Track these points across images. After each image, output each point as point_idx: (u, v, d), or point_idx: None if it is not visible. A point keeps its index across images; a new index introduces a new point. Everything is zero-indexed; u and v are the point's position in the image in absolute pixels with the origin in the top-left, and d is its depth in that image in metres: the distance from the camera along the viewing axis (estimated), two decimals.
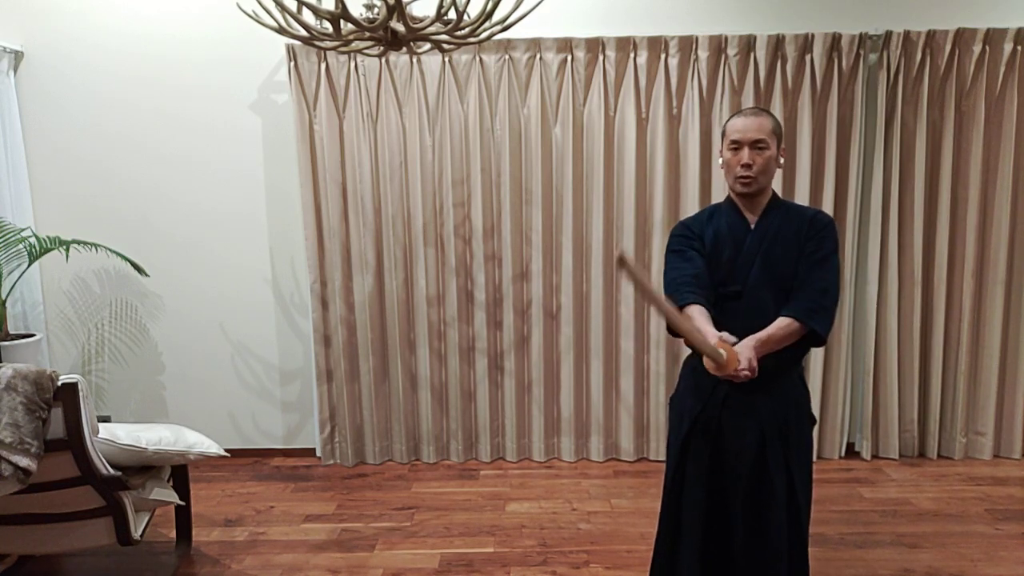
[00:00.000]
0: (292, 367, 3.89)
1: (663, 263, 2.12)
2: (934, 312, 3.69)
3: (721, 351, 1.78)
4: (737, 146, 1.97)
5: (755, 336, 1.85)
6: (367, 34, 2.36)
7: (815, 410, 3.73)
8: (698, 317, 1.90)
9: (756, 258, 1.97)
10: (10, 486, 2.06)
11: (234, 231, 3.77)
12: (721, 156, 2.05)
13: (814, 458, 3.74)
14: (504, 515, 3.23)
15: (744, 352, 1.80)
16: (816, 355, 3.69)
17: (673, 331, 1.86)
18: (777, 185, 3.56)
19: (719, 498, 2.03)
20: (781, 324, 1.90)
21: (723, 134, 2.05)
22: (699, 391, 2.06)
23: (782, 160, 2.02)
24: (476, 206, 3.63)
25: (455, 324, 3.73)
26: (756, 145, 1.95)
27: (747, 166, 1.95)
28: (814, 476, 3.56)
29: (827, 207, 3.57)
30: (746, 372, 1.78)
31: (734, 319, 1.95)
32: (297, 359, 3.88)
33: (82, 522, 2.37)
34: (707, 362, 1.81)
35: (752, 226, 2.02)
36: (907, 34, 3.48)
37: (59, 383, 2.19)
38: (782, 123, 3.51)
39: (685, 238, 2.07)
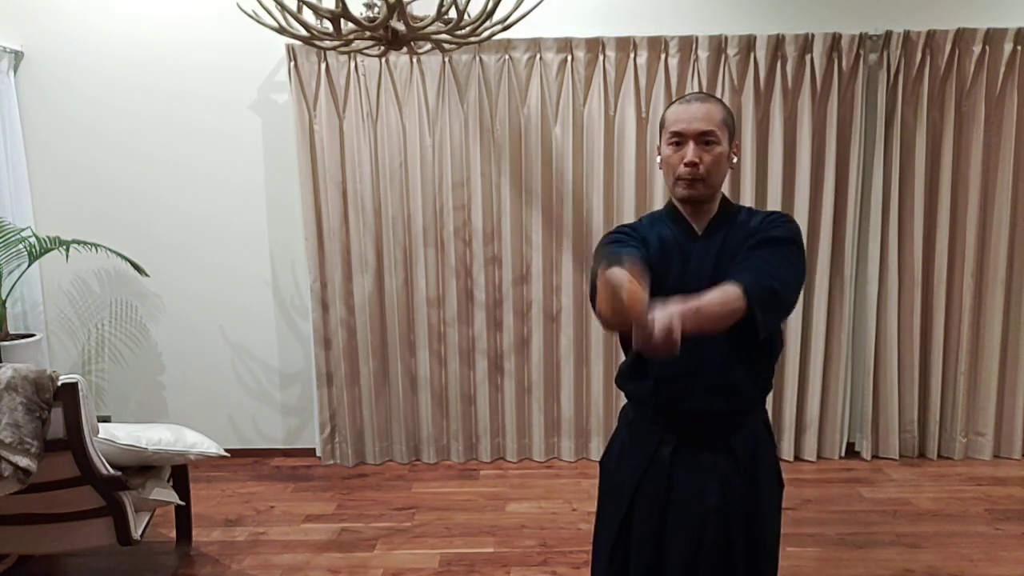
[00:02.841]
0: (292, 370, 3.88)
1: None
2: (934, 312, 3.69)
3: (623, 294, 1.24)
4: (679, 140, 1.57)
5: (685, 300, 1.35)
6: (367, 33, 2.36)
7: (815, 410, 3.74)
8: (623, 274, 1.29)
9: (706, 277, 1.55)
10: (10, 486, 2.06)
11: (234, 232, 3.76)
12: (659, 153, 1.64)
13: (814, 458, 3.77)
14: (504, 515, 3.23)
15: (660, 315, 1.26)
16: (816, 355, 3.69)
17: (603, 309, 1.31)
18: (776, 185, 3.56)
19: (668, 565, 1.63)
20: (725, 291, 1.41)
21: (661, 125, 1.63)
22: (640, 447, 1.66)
23: (735, 158, 1.63)
24: (476, 207, 3.63)
25: (455, 325, 3.72)
26: (703, 138, 1.55)
27: (692, 165, 1.55)
28: (814, 477, 3.59)
29: (827, 207, 3.57)
30: (659, 336, 1.24)
31: (683, 346, 1.38)
32: (297, 362, 3.88)
33: (82, 522, 2.37)
34: (602, 297, 1.28)
35: (699, 237, 1.63)
36: (907, 34, 3.48)
37: (59, 383, 2.19)
38: (780, 120, 3.51)
39: (625, 235, 1.67)
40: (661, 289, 1.47)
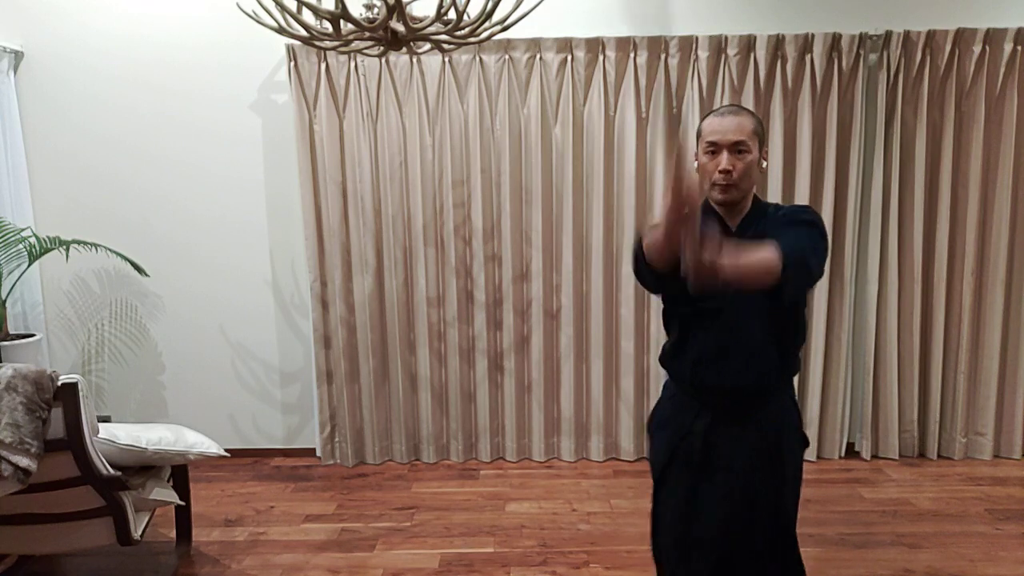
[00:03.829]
0: (292, 369, 3.89)
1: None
2: (934, 312, 3.69)
3: (686, 183, 1.28)
4: (715, 149, 1.75)
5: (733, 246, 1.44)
6: (367, 34, 2.36)
7: (815, 410, 3.74)
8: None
9: None
10: (10, 486, 2.06)
11: (234, 232, 3.77)
12: (696, 160, 1.83)
13: (813, 458, 3.77)
14: (504, 515, 3.23)
15: (711, 232, 1.34)
16: (816, 354, 3.69)
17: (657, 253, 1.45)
18: (776, 186, 3.56)
19: (698, 535, 1.86)
20: (762, 247, 1.50)
21: (698, 135, 1.83)
22: (680, 418, 1.89)
23: (765, 164, 1.82)
24: (476, 206, 3.63)
25: (455, 324, 3.72)
26: (736, 148, 1.73)
27: (726, 172, 1.73)
28: (814, 477, 3.59)
29: (827, 207, 3.57)
30: (711, 245, 1.32)
31: (711, 337, 1.79)
32: (297, 360, 3.88)
33: (82, 522, 2.37)
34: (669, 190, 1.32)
35: (733, 234, 1.81)
36: (907, 34, 3.48)
37: (59, 383, 2.19)
38: (780, 120, 3.51)
39: None
40: None
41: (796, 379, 3.69)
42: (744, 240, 1.73)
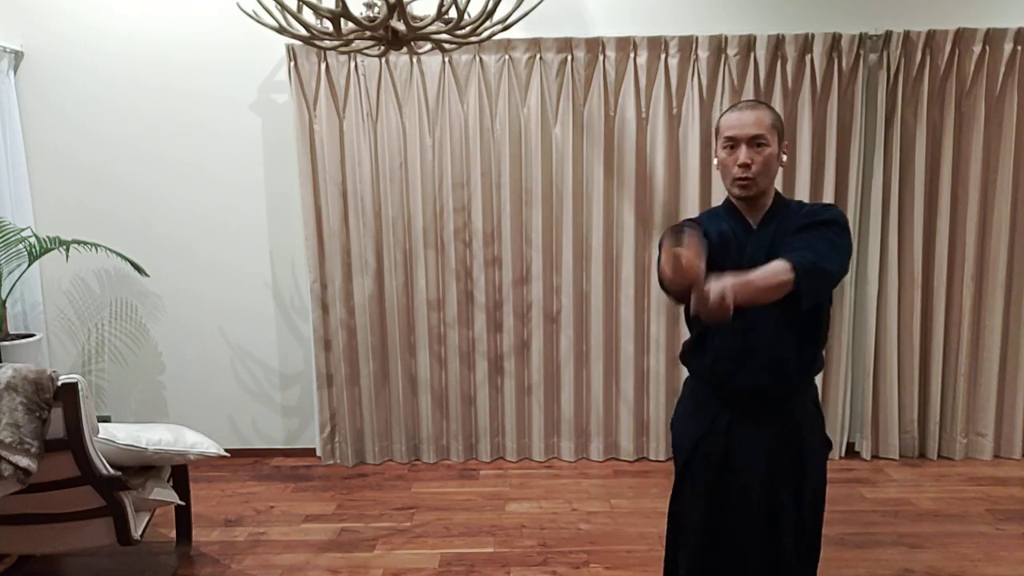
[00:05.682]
0: (292, 371, 3.88)
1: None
2: (934, 312, 3.69)
3: (683, 256, 1.43)
4: (733, 144, 1.74)
5: (736, 274, 1.52)
6: (367, 33, 2.36)
7: None
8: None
9: (760, 264, 1.65)
10: (10, 486, 2.06)
11: (234, 233, 3.76)
12: (716, 156, 1.82)
13: None
14: (504, 515, 3.23)
15: (715, 284, 1.43)
16: None
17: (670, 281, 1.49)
18: (777, 185, 3.54)
19: (721, 536, 1.86)
20: (774, 266, 1.57)
21: (717, 131, 1.81)
22: (700, 415, 1.89)
23: (784, 158, 1.80)
24: (476, 207, 3.62)
25: (455, 327, 3.72)
26: (754, 142, 1.72)
27: (745, 166, 1.72)
28: None
29: None
30: (713, 302, 1.41)
31: (731, 337, 1.78)
32: (297, 363, 3.87)
33: (82, 522, 2.37)
34: (665, 262, 1.47)
35: (754, 230, 1.80)
36: (907, 34, 3.48)
37: (59, 383, 2.19)
38: (781, 117, 3.51)
39: (689, 225, 1.75)
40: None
41: None
42: (763, 236, 1.76)
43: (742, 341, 1.77)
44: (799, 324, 1.76)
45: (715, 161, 1.82)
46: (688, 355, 1.94)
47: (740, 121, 1.73)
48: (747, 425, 1.82)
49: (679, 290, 1.47)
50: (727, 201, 1.86)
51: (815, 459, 1.84)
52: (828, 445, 1.92)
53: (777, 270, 1.55)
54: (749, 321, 1.72)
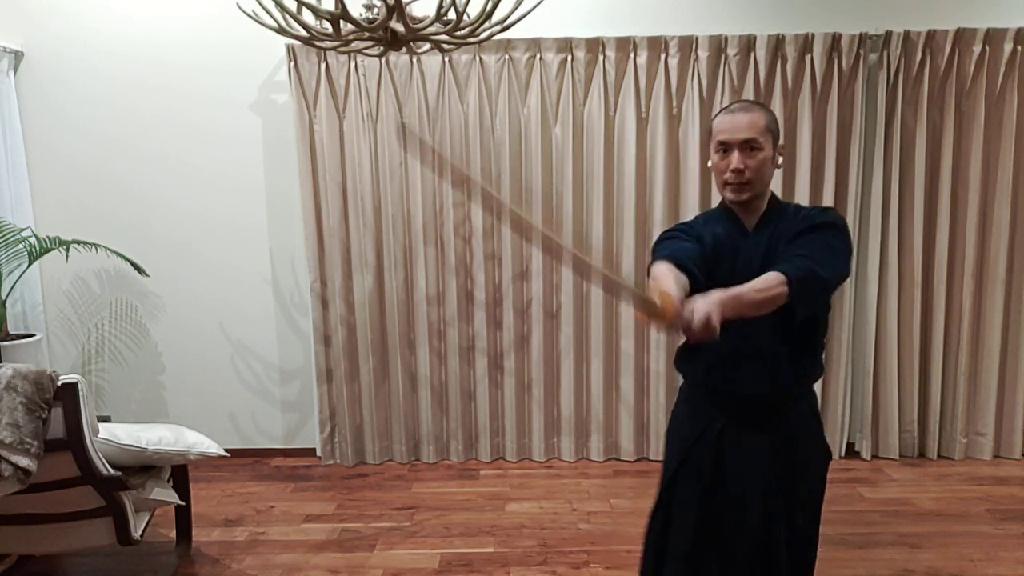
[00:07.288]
0: (292, 367, 3.89)
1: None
2: (934, 312, 3.69)
3: (655, 299, 1.42)
4: (725, 148, 1.69)
5: (727, 289, 1.48)
6: (367, 34, 2.36)
7: None
8: (663, 273, 1.56)
9: (755, 269, 1.63)
10: (10, 486, 2.06)
11: (234, 231, 3.76)
12: (710, 159, 1.78)
13: None
14: (504, 515, 3.23)
15: (700, 305, 1.39)
16: None
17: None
18: (776, 186, 3.56)
19: (713, 548, 1.80)
20: (766, 278, 1.53)
21: (710, 133, 1.76)
22: (694, 421, 1.84)
23: (780, 160, 1.75)
24: (476, 206, 3.62)
25: (455, 324, 3.72)
26: (747, 146, 1.67)
27: (738, 172, 1.67)
28: None
29: None
30: (697, 326, 1.37)
31: (727, 339, 1.58)
32: (297, 359, 3.88)
33: (82, 522, 2.37)
34: (639, 316, 1.48)
35: (749, 234, 1.76)
36: (907, 34, 3.48)
37: (59, 383, 2.19)
38: (780, 120, 3.51)
39: (681, 232, 1.80)
40: (715, 282, 1.58)
41: None
42: (759, 241, 1.72)
43: (735, 349, 1.71)
44: (794, 332, 1.70)
45: (709, 164, 1.79)
46: (682, 360, 1.91)
47: (733, 124, 1.68)
48: (741, 433, 1.76)
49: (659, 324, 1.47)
50: (722, 204, 1.82)
51: (813, 470, 1.80)
52: (828, 455, 1.85)
53: (770, 282, 1.52)
54: (743, 329, 1.62)
